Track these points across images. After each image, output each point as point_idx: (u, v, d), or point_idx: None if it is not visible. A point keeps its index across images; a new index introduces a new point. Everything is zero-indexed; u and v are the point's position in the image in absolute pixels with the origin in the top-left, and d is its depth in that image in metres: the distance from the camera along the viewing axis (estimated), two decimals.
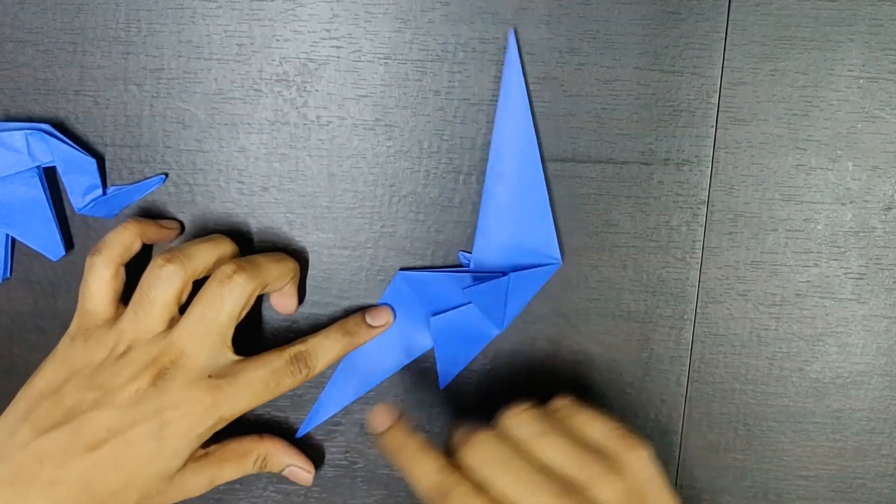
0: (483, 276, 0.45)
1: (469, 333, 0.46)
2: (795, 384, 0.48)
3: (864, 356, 0.47)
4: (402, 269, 0.46)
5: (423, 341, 0.47)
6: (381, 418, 0.40)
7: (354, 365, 0.46)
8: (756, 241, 0.46)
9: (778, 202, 0.46)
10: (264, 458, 0.45)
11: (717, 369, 0.47)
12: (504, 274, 0.44)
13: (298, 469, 0.46)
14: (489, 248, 0.45)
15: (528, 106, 0.44)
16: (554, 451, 0.37)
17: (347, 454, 0.48)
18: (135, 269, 0.43)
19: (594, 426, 0.39)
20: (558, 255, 0.45)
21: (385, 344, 0.46)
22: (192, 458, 0.42)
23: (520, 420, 0.38)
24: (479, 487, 0.37)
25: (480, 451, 0.37)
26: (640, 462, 0.38)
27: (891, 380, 0.47)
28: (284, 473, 0.46)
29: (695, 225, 0.46)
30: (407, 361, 0.47)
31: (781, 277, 0.47)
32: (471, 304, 0.45)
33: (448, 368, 0.47)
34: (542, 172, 0.45)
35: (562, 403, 0.40)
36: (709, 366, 0.47)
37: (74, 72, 0.45)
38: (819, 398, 0.48)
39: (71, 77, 0.45)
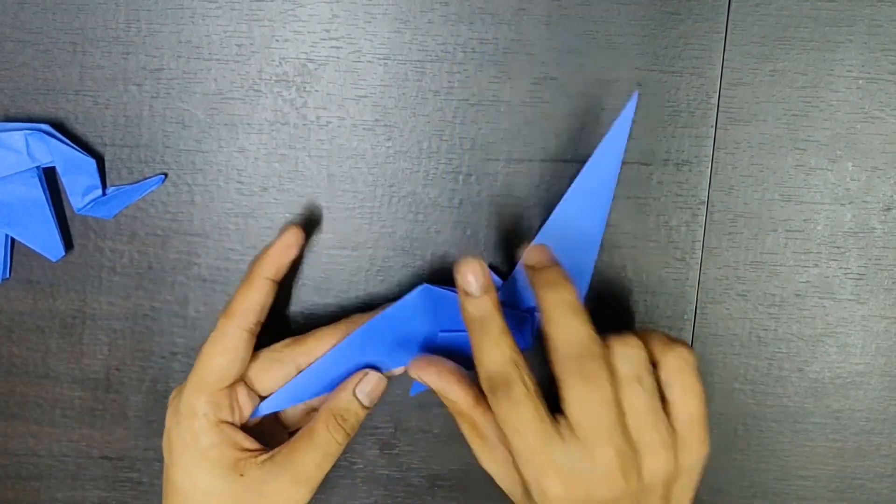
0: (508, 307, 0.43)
1: (467, 356, 0.42)
2: (795, 384, 0.48)
3: (864, 356, 0.47)
4: (425, 282, 0.43)
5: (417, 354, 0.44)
6: (473, 279, 0.38)
7: (352, 355, 0.43)
8: (756, 242, 0.46)
9: (777, 202, 0.46)
10: (334, 414, 0.42)
11: (716, 369, 0.47)
12: (528, 311, 0.44)
13: (368, 391, 0.42)
14: (521, 282, 0.44)
15: (618, 169, 0.43)
16: (637, 401, 0.37)
17: (347, 455, 0.48)
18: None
19: (687, 400, 0.38)
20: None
21: (385, 345, 0.43)
22: (254, 465, 0.41)
23: (623, 353, 0.37)
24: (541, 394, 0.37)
25: None
26: (699, 455, 0.38)
27: (890, 380, 0.47)
28: (367, 405, 0.43)
29: (694, 225, 0.46)
30: (395, 367, 0.44)
31: (781, 278, 0.47)
32: None
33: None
34: (602, 232, 0.44)
35: (677, 354, 0.38)
36: (708, 366, 0.47)
37: (74, 72, 0.45)
38: (818, 398, 0.48)
39: (71, 77, 0.45)
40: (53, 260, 0.46)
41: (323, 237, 0.46)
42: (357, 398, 0.42)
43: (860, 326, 0.47)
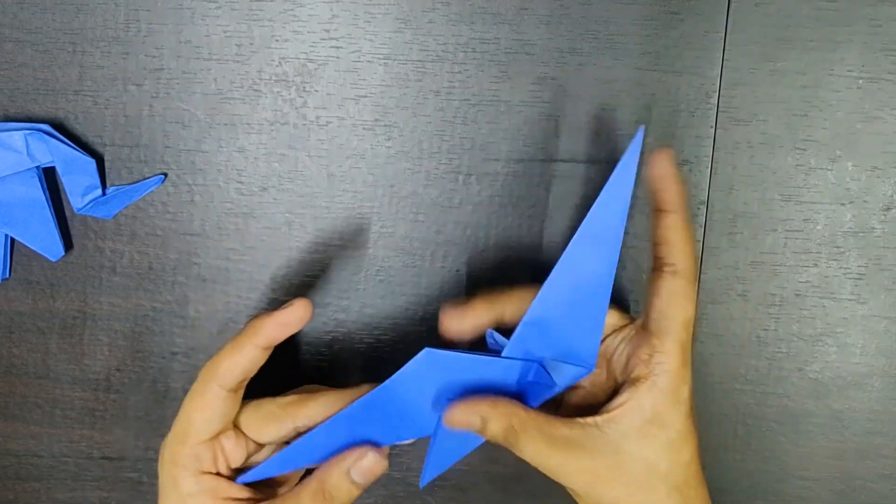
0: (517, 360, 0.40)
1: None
2: (795, 385, 0.47)
3: (864, 357, 0.47)
4: (428, 346, 0.39)
5: (422, 427, 0.41)
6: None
7: (351, 426, 0.40)
8: (756, 242, 0.46)
9: (777, 202, 0.46)
10: (323, 489, 0.40)
11: (716, 369, 0.47)
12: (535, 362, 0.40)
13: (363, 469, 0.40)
14: (530, 337, 0.40)
15: (626, 211, 0.39)
16: None
17: None
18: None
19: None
20: (593, 363, 0.41)
21: (387, 416, 0.40)
22: None
23: None
24: None
25: None
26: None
27: (891, 380, 0.47)
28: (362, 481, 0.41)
29: (694, 225, 0.46)
30: (397, 441, 0.41)
31: (781, 278, 0.47)
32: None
33: (438, 462, 0.41)
34: (613, 279, 0.40)
35: None
36: (708, 366, 0.47)
37: (73, 72, 0.45)
38: (819, 399, 0.48)
39: (70, 77, 0.45)
40: (53, 260, 0.46)
41: (323, 237, 0.46)
42: (351, 478, 0.40)
43: (860, 326, 0.47)
